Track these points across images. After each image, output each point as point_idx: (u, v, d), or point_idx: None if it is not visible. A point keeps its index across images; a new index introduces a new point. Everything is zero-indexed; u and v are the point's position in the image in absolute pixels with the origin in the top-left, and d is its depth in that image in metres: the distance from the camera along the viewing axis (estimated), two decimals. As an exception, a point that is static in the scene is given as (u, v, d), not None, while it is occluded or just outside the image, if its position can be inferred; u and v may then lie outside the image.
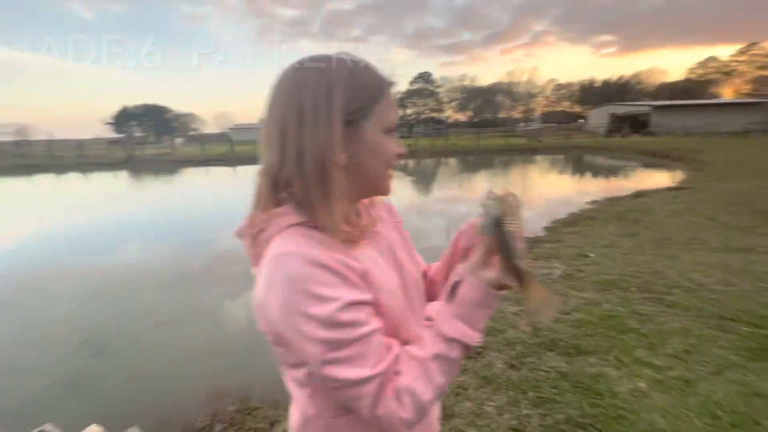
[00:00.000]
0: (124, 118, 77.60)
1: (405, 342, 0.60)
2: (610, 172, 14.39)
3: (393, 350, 0.57)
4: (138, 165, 24.58)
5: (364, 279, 0.57)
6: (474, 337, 0.56)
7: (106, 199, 13.24)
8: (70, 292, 4.53)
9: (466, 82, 77.23)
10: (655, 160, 16.75)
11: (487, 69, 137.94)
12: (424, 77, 69.01)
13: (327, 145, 0.54)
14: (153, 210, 10.53)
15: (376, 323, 0.55)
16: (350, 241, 0.57)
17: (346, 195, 0.57)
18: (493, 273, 0.56)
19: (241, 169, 19.92)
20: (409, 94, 66.98)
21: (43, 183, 18.45)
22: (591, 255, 4.12)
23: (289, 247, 0.53)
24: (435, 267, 0.82)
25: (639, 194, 8.32)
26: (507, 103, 75.71)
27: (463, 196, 11.31)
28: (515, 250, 0.55)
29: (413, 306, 0.67)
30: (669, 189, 8.82)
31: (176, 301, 4.26)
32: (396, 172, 0.62)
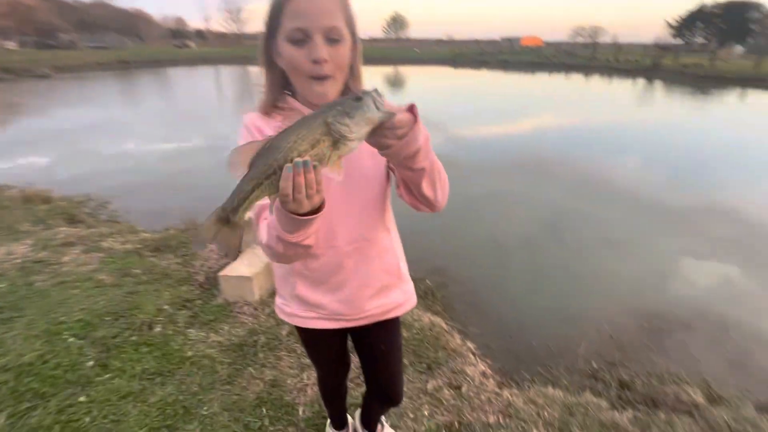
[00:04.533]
0: (690, 21, 65.16)
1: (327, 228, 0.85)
2: None
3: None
4: (661, 75, 23.34)
5: None
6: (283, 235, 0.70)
7: (608, 104, 14.48)
8: (557, 180, 5.78)
9: None
10: None
11: None
12: None
13: (259, 52, 0.82)
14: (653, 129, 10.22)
15: None
16: (268, 114, 0.84)
17: (278, 90, 0.85)
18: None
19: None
20: None
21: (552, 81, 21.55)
22: None
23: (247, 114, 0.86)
24: None
25: None
26: None
27: None
28: None
29: (342, 195, 0.84)
30: None
31: (633, 226, 4.38)
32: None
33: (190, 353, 1.95)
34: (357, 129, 0.57)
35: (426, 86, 20.79)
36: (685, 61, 25.97)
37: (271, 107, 0.84)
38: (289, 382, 1.82)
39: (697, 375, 2.35)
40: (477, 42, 62.81)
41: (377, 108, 0.57)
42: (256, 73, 0.85)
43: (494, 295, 3.23)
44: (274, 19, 0.75)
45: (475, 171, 6.30)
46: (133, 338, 2.02)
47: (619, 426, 1.70)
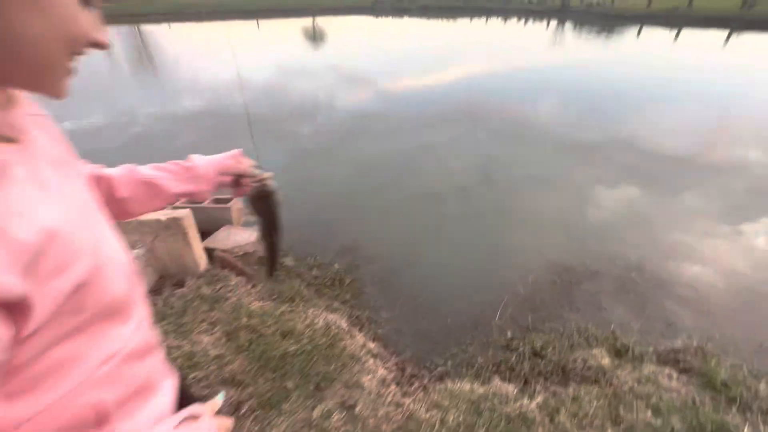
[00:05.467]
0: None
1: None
2: None
3: None
4: (570, 16, 24.22)
5: None
6: None
7: (525, 48, 14.70)
8: (482, 125, 6.03)
9: None
10: None
11: None
12: None
13: None
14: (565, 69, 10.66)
15: None
16: None
17: None
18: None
19: (685, 33, 15.74)
20: None
21: (466, 26, 22.04)
22: None
23: None
24: (126, 174, 0.64)
25: None
26: None
27: None
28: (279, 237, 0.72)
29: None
30: None
31: (557, 166, 4.57)
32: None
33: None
34: None
35: (349, 40, 19.47)
36: (590, 1, 27.18)
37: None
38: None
39: (605, 326, 2.34)
40: (396, -14, 60.61)
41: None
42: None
43: (410, 269, 2.96)
44: None
45: (404, 126, 6.02)
46: None
47: (527, 417, 1.54)
